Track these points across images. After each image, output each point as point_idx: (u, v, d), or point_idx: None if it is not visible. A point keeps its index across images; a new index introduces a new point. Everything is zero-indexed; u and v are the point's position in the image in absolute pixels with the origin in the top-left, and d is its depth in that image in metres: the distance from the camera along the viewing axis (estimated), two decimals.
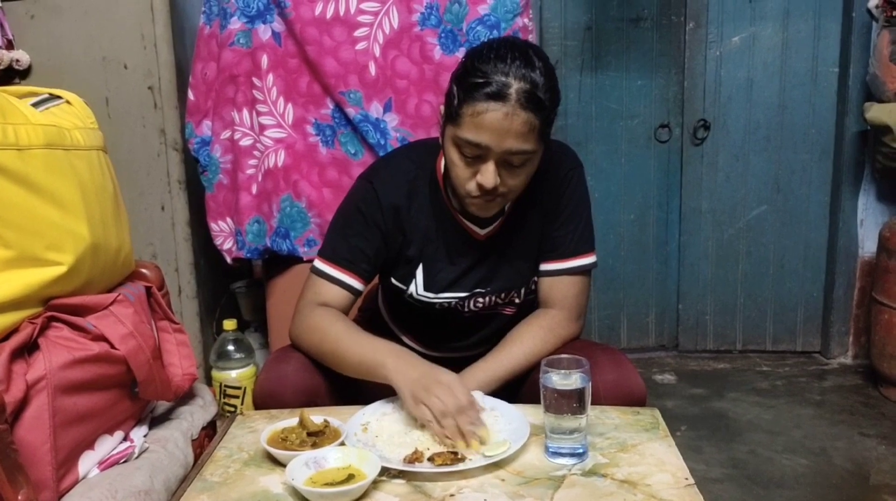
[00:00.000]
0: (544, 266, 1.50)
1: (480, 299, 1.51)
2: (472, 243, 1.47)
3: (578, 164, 1.50)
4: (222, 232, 2.28)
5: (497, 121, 1.23)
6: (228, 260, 2.31)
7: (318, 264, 1.46)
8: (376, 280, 1.60)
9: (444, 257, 1.47)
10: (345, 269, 1.44)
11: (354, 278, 1.44)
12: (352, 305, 1.47)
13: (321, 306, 1.43)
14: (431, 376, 1.26)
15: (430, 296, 1.49)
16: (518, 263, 1.49)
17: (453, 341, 1.58)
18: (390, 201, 1.44)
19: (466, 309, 1.51)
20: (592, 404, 1.34)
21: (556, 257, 1.49)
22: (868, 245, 3.20)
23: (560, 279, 1.49)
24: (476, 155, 1.28)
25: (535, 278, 1.52)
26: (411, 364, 1.30)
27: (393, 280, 1.52)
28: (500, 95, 1.23)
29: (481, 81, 1.24)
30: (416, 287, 1.48)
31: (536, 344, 1.45)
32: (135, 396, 1.33)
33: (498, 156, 1.27)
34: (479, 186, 1.30)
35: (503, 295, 1.51)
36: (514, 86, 1.23)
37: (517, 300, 1.53)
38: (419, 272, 1.48)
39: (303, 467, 1.12)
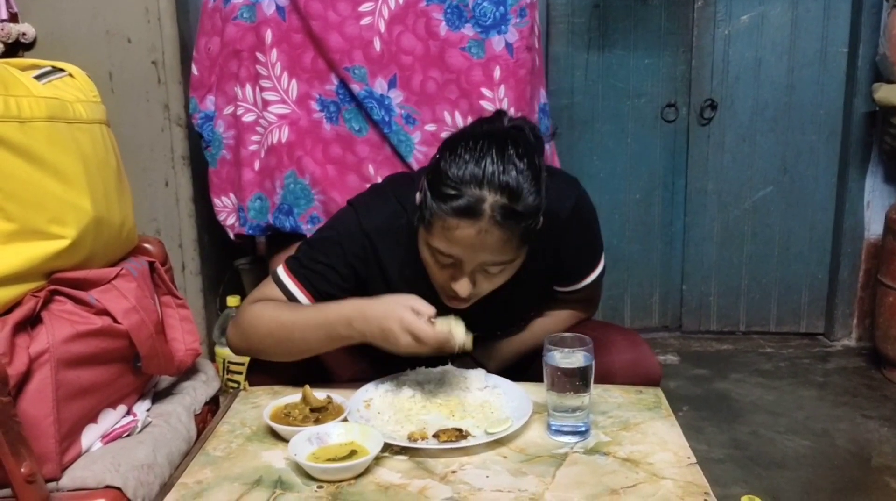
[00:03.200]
0: (560, 288, 1.48)
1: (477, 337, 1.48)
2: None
3: (575, 191, 1.40)
4: (225, 208, 2.27)
5: (469, 237, 1.16)
6: (231, 236, 2.30)
7: (281, 272, 1.38)
8: None
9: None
10: (304, 288, 1.35)
11: (308, 299, 1.36)
12: None
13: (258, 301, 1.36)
14: (393, 317, 1.19)
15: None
16: (516, 305, 1.45)
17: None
18: (374, 247, 1.36)
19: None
20: (607, 383, 1.34)
21: (570, 282, 1.47)
22: (874, 227, 3.19)
23: (578, 295, 1.50)
24: (449, 263, 1.22)
25: (536, 308, 1.52)
26: (372, 312, 1.22)
27: None
28: (472, 212, 1.14)
29: (453, 193, 1.14)
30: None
31: (559, 325, 1.49)
32: (138, 370, 1.33)
33: (472, 267, 1.21)
34: (454, 292, 1.24)
35: (501, 331, 1.50)
36: (489, 200, 1.13)
37: (521, 324, 1.52)
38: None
39: (305, 442, 1.13)
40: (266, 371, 1.41)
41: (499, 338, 1.49)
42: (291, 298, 1.35)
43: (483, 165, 1.14)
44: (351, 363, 1.41)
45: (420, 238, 1.26)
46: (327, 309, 1.28)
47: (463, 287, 1.23)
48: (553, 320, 1.51)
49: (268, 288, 1.38)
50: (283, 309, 1.32)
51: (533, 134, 1.24)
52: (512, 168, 1.14)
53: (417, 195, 1.24)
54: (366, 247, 1.36)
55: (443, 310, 1.28)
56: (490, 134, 1.19)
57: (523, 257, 1.25)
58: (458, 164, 1.15)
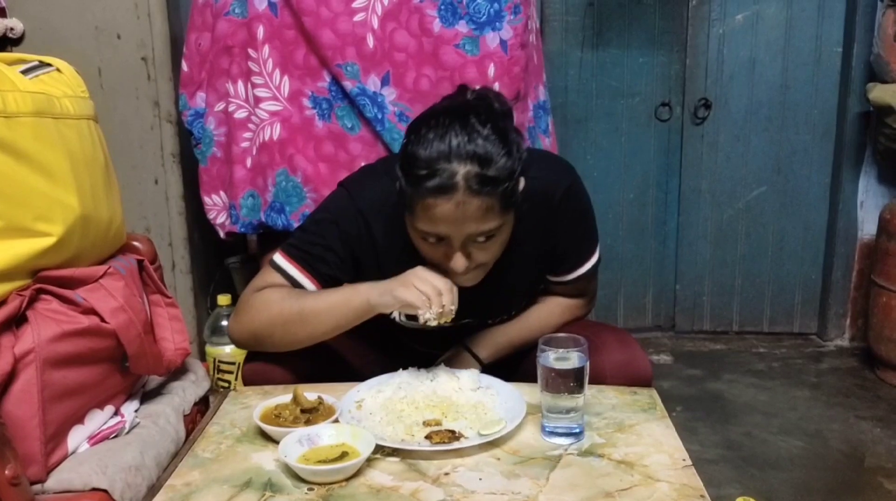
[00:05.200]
0: (554, 278, 1.47)
1: (470, 324, 1.47)
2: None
3: (569, 177, 1.40)
4: (215, 206, 2.25)
5: (449, 212, 1.16)
6: (221, 235, 2.28)
7: (279, 258, 1.37)
8: None
9: None
10: (305, 271, 1.35)
11: (312, 282, 1.36)
12: None
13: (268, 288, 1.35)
14: (411, 270, 1.27)
15: (414, 324, 1.43)
16: (510, 288, 1.44)
17: (450, 343, 1.53)
18: (368, 225, 1.36)
19: (458, 327, 1.48)
20: (598, 384, 1.33)
21: (565, 271, 1.46)
22: (868, 227, 3.19)
23: (573, 286, 1.49)
24: (439, 240, 1.23)
25: (529, 297, 1.50)
26: (384, 280, 1.29)
27: None
28: (445, 188, 1.14)
29: (424, 173, 1.15)
30: (399, 315, 1.44)
31: (552, 320, 1.48)
32: (125, 370, 1.31)
33: (461, 240, 1.21)
34: (452, 270, 1.25)
35: (493, 319, 1.49)
36: (461, 172, 1.14)
37: (513, 313, 1.50)
38: None
39: (296, 444, 1.11)
40: (266, 360, 1.40)
41: (491, 327, 1.48)
42: (295, 283, 1.35)
43: (448, 139, 1.15)
44: (363, 352, 1.41)
45: (408, 225, 1.26)
46: (339, 288, 1.31)
47: (458, 263, 1.23)
48: (547, 313, 1.49)
49: (269, 276, 1.37)
50: (292, 293, 1.32)
51: (497, 101, 1.25)
52: (477, 136, 1.15)
53: (397, 184, 1.24)
54: (360, 226, 1.36)
55: None
56: (450, 109, 1.21)
57: (511, 222, 1.26)
58: (424, 144, 1.17)
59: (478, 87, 1.34)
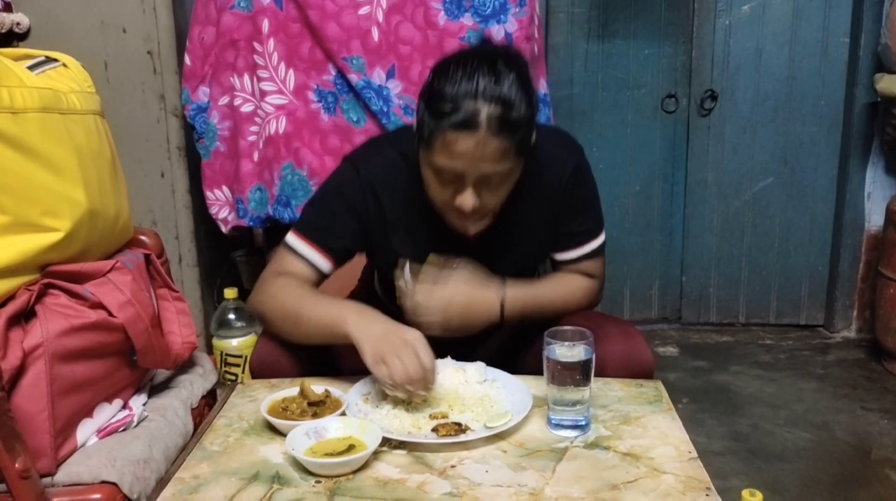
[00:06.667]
0: (560, 256, 1.48)
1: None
2: (462, 241, 1.39)
3: (577, 154, 1.42)
4: (218, 201, 2.26)
5: (469, 149, 1.19)
6: (224, 230, 2.29)
7: (291, 237, 1.40)
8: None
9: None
10: (316, 246, 1.38)
11: (324, 257, 1.38)
12: (318, 284, 1.40)
13: (284, 275, 1.38)
14: (396, 334, 1.21)
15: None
16: (516, 257, 1.45)
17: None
18: (375, 195, 1.38)
19: None
20: (600, 375, 1.33)
21: (572, 247, 1.47)
22: (875, 219, 3.17)
23: (581, 265, 1.49)
24: (452, 178, 1.24)
25: (539, 267, 1.51)
26: (374, 320, 1.25)
27: (384, 271, 1.49)
28: (469, 124, 1.17)
29: (449, 108, 1.18)
30: (407, 283, 1.44)
31: (571, 290, 1.47)
32: (133, 364, 1.32)
33: (474, 178, 1.23)
34: (459, 207, 1.26)
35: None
36: (484, 111, 1.17)
37: None
38: (407, 270, 1.44)
39: (303, 437, 1.12)
40: (273, 351, 1.41)
41: (483, 340, 1.46)
42: (308, 261, 1.37)
43: (475, 79, 1.18)
44: (356, 355, 1.42)
45: (422, 161, 1.28)
46: (332, 305, 1.30)
47: (467, 199, 1.25)
48: (567, 282, 1.48)
49: (286, 260, 1.39)
50: (298, 290, 1.34)
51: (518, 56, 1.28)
52: (504, 80, 1.18)
53: (415, 120, 1.26)
54: (366, 196, 1.38)
55: (445, 249, 1.36)
56: (478, 53, 1.24)
57: (521, 168, 1.28)
58: (452, 81, 1.19)
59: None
